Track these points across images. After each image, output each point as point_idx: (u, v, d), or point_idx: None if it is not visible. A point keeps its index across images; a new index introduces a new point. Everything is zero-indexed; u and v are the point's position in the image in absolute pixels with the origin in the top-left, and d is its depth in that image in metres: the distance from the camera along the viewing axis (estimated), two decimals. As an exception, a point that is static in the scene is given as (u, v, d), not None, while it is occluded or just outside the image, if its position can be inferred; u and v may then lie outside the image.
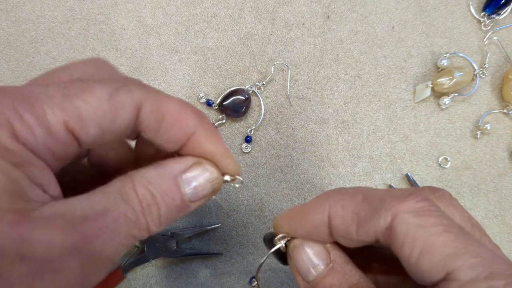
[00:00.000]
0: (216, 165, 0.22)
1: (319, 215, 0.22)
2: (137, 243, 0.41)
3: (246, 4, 0.45)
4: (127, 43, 0.45)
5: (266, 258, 0.24)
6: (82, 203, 0.18)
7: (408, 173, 0.43)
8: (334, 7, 0.45)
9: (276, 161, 0.44)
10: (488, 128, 0.43)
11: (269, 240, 0.24)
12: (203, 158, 0.22)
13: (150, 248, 0.41)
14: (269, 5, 0.45)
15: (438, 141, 0.44)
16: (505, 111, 0.44)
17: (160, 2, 0.45)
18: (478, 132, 0.43)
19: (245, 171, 0.43)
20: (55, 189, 0.18)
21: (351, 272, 0.21)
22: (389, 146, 0.44)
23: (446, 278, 0.18)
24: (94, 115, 0.18)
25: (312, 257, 0.22)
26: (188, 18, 0.45)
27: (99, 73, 0.21)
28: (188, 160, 0.21)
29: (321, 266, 0.22)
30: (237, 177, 0.23)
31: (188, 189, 0.21)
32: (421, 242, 0.18)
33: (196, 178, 0.21)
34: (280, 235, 0.23)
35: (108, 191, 0.19)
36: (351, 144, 0.44)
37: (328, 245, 0.22)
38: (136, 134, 0.21)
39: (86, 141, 0.18)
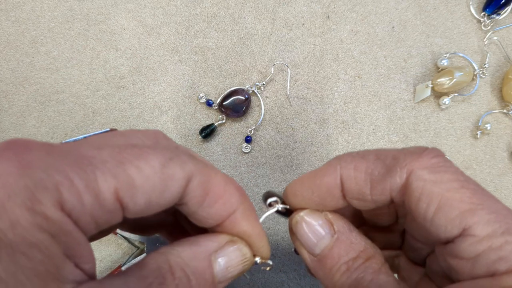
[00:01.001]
0: (249, 245, 0.22)
1: (331, 178, 0.21)
2: (137, 243, 0.41)
3: (246, 4, 0.45)
4: (127, 43, 0.45)
5: (263, 219, 0.23)
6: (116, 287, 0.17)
7: None
8: (334, 7, 0.45)
9: (276, 161, 0.44)
10: (488, 128, 0.43)
11: (266, 199, 0.24)
12: (238, 236, 0.21)
13: (150, 248, 0.41)
14: (269, 5, 0.45)
15: (438, 141, 0.44)
16: (505, 111, 0.44)
17: (160, 2, 0.45)
18: (478, 132, 0.43)
19: (245, 171, 0.43)
20: (90, 261, 0.17)
21: (356, 240, 0.21)
22: (389, 146, 0.44)
23: (462, 234, 0.18)
24: (145, 185, 0.17)
25: (317, 229, 0.22)
26: (188, 18, 0.45)
27: (154, 142, 0.20)
28: (222, 238, 0.21)
29: (327, 238, 0.21)
30: (268, 261, 0.22)
31: (219, 269, 0.20)
32: (438, 197, 0.18)
33: (229, 258, 0.21)
34: (272, 199, 0.23)
35: (143, 274, 0.18)
36: (351, 144, 0.44)
37: (330, 216, 0.22)
38: (179, 204, 0.20)
39: (132, 211, 0.17)
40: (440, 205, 0.18)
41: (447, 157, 0.20)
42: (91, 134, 0.25)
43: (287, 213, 0.23)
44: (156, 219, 0.25)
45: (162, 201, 0.18)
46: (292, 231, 0.23)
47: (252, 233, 0.21)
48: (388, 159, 0.20)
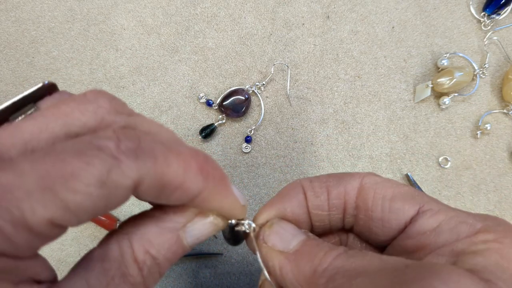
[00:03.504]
0: (221, 214, 0.21)
1: (295, 192, 0.23)
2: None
3: (246, 4, 0.45)
4: (127, 43, 0.45)
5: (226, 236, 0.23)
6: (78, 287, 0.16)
7: (408, 173, 0.43)
8: (334, 7, 0.45)
9: (276, 161, 0.44)
10: (488, 128, 0.43)
11: (231, 229, 0.24)
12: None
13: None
14: (269, 5, 0.45)
15: (438, 141, 0.44)
16: (505, 111, 0.44)
17: (160, 2, 0.45)
18: (478, 132, 0.43)
19: (245, 171, 0.43)
20: (44, 271, 0.17)
21: (324, 243, 0.22)
22: (389, 146, 0.44)
23: (420, 211, 0.21)
24: (83, 204, 0.15)
25: (291, 227, 0.23)
26: (188, 18, 0.45)
27: (97, 120, 0.18)
28: (191, 211, 0.20)
29: (301, 234, 0.22)
30: (244, 221, 0.22)
31: (189, 239, 0.20)
32: (391, 189, 0.22)
33: (199, 231, 0.20)
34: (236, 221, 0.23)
35: (106, 267, 0.18)
36: (351, 144, 0.44)
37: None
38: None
39: (74, 225, 0.16)
40: (395, 193, 0.21)
41: None
42: (21, 95, 0.22)
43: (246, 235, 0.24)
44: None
45: (108, 209, 0.17)
46: (263, 235, 0.23)
47: (224, 206, 0.20)
48: (338, 176, 0.23)
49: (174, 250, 0.20)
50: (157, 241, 0.19)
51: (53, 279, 0.17)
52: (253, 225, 0.23)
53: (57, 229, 0.15)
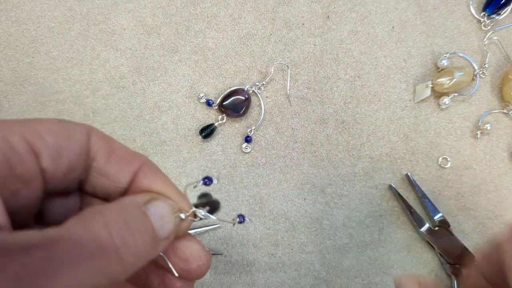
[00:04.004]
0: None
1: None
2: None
3: (246, 4, 0.45)
4: (127, 43, 0.45)
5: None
6: (29, 233, 0.15)
7: (408, 173, 0.43)
8: (334, 7, 0.45)
9: (276, 161, 0.44)
10: (488, 128, 0.43)
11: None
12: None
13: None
14: (269, 5, 0.45)
15: (438, 141, 0.44)
16: (505, 111, 0.44)
17: (160, 2, 0.45)
18: (478, 132, 0.43)
19: (245, 171, 0.43)
20: (1, 217, 0.17)
21: None
22: (389, 146, 0.44)
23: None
24: (49, 131, 0.19)
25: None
26: (188, 18, 0.45)
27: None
28: (145, 195, 0.21)
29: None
30: (199, 210, 0.23)
31: (155, 219, 0.20)
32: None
33: (159, 209, 0.21)
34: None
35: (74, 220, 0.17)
36: (351, 144, 0.44)
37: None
38: (89, 162, 0.21)
39: (46, 155, 0.19)
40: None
41: None
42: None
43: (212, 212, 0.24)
44: None
45: (71, 148, 0.19)
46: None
47: (167, 189, 0.22)
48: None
49: (145, 226, 0.19)
50: (124, 212, 0.19)
51: (5, 227, 0.17)
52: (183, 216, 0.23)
53: (29, 148, 0.18)
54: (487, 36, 0.44)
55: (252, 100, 0.44)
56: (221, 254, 0.42)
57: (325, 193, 0.43)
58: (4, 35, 0.44)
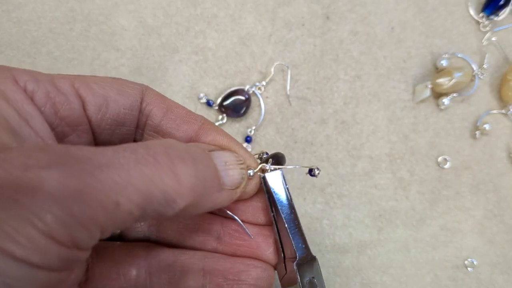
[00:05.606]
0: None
1: None
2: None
3: (246, 5, 0.45)
4: (128, 43, 0.45)
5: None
6: (97, 149, 0.16)
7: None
8: (334, 8, 0.45)
9: (276, 161, 0.44)
10: (487, 128, 0.43)
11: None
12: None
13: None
14: (269, 6, 0.45)
15: (437, 141, 0.44)
16: (503, 111, 0.44)
17: (161, 2, 0.45)
18: (477, 132, 0.43)
19: (245, 171, 0.44)
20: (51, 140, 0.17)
21: None
22: (388, 146, 0.44)
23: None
24: (98, 82, 0.19)
25: None
26: (188, 18, 0.45)
27: None
28: (208, 145, 0.20)
29: None
30: (266, 165, 0.22)
31: (218, 163, 0.19)
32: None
33: (224, 155, 0.20)
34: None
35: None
36: (351, 144, 0.44)
37: None
38: (144, 118, 0.20)
39: (91, 102, 0.18)
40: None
41: None
42: None
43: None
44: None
45: (120, 100, 0.19)
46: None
47: (232, 145, 0.21)
48: None
49: (212, 169, 0.18)
50: (191, 148, 0.19)
51: None
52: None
53: (75, 93, 0.19)
54: (486, 37, 0.45)
55: (252, 100, 0.44)
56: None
57: (325, 193, 0.43)
58: (5, 36, 0.45)
